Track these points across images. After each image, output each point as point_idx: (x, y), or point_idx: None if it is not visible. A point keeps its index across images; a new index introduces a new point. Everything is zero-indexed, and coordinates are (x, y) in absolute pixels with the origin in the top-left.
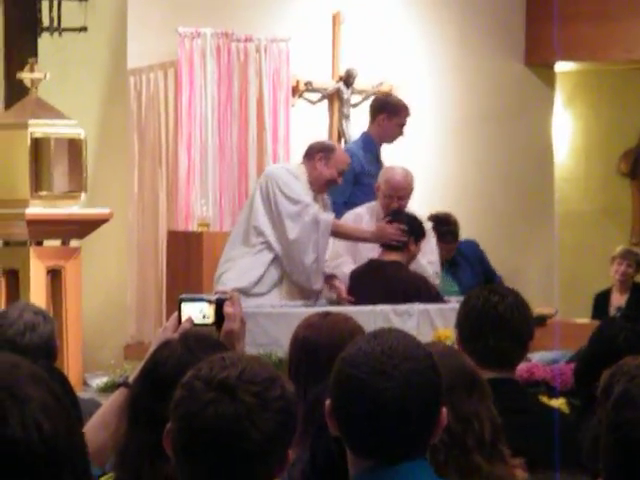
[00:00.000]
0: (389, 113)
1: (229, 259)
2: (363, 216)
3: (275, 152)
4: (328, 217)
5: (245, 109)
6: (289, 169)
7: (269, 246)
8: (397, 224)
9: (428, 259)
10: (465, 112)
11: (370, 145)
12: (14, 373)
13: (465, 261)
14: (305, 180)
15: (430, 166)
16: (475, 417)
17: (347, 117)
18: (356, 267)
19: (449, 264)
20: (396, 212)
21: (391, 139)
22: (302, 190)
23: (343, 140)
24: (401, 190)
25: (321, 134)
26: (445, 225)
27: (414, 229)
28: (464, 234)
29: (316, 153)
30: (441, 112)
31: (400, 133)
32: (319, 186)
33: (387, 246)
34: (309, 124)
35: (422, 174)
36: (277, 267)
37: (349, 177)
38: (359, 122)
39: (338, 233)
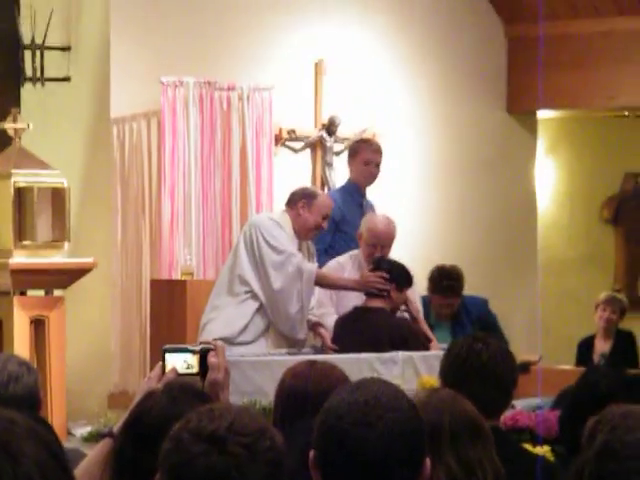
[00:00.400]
0: (351, 154)
1: (214, 308)
2: (345, 265)
3: (258, 200)
4: (311, 267)
5: (228, 157)
6: (273, 218)
7: (254, 295)
8: (380, 272)
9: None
10: (448, 160)
11: (352, 192)
12: (10, 429)
13: (468, 319)
14: (289, 228)
15: (413, 213)
16: (479, 465)
17: (330, 165)
18: (341, 315)
19: (451, 321)
20: (379, 260)
21: (365, 180)
22: (286, 239)
23: (326, 188)
24: (384, 239)
25: (304, 182)
26: (446, 279)
27: (396, 276)
28: None
29: (299, 200)
30: (424, 159)
31: (370, 171)
32: (304, 233)
33: (371, 294)
34: (292, 172)
35: (405, 221)
36: (262, 316)
37: (330, 225)
38: (342, 170)
39: (322, 282)
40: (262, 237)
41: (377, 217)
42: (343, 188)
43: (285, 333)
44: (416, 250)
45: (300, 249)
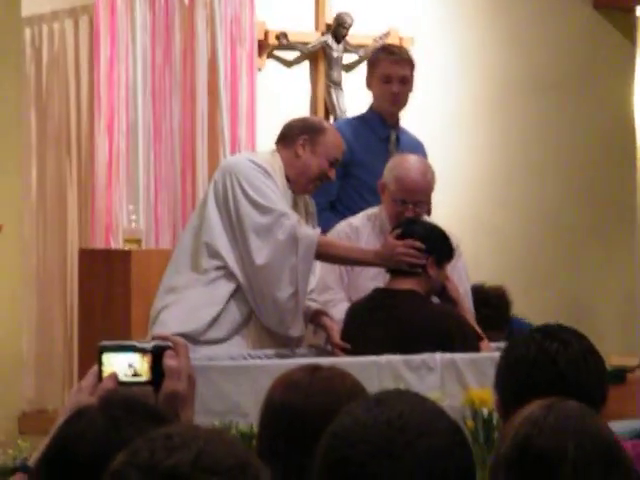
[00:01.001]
0: (369, 70)
1: (171, 290)
2: (361, 229)
3: (235, 136)
4: (312, 233)
5: (191, 75)
6: (257, 162)
7: (228, 273)
8: (411, 240)
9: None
10: (505, 78)
11: (372, 122)
12: None
13: None
14: (281, 176)
15: (457, 157)
16: None
17: (337, 84)
18: (356, 300)
19: None
20: (410, 222)
21: (388, 104)
22: (276, 192)
23: (332, 117)
24: (418, 193)
25: (301, 109)
26: (484, 306)
27: (435, 246)
28: (505, 257)
29: (298, 135)
30: (471, 77)
31: (391, 90)
32: (302, 183)
33: (397, 271)
34: (283, 95)
35: (447, 168)
36: (240, 303)
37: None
38: (356, 91)
39: (327, 255)
40: (241, 189)
41: (409, 161)
42: (358, 117)
43: (272, 328)
44: (463, 209)
45: (295, 207)
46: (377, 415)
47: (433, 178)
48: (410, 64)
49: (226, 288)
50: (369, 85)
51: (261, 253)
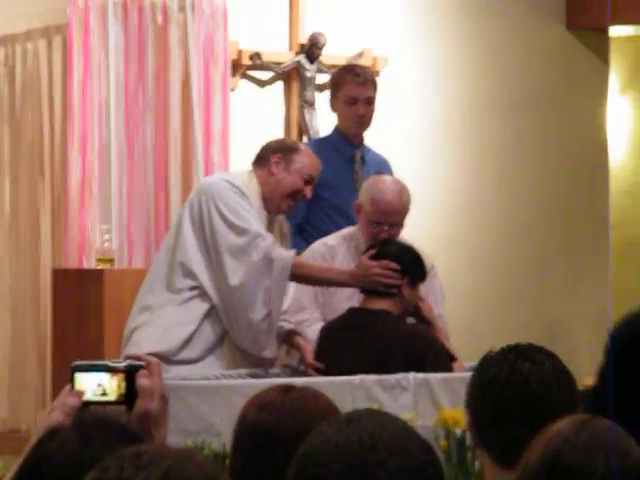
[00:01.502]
0: (332, 90)
1: (145, 309)
2: (336, 249)
3: (208, 155)
4: (287, 254)
5: (164, 94)
6: (232, 182)
7: (202, 293)
8: (386, 261)
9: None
10: (479, 96)
11: (338, 143)
12: None
13: None
14: (257, 197)
15: (431, 175)
16: None
17: (311, 104)
18: (330, 320)
19: None
20: (384, 242)
21: (352, 125)
22: (251, 213)
23: (306, 137)
24: (394, 215)
25: (274, 129)
26: None
27: (410, 267)
28: (479, 276)
29: (272, 154)
30: (445, 96)
31: (355, 112)
32: (276, 201)
33: (372, 292)
34: (257, 115)
35: (419, 185)
36: (214, 322)
37: None
38: (328, 111)
39: (302, 276)
40: (216, 210)
41: (384, 182)
42: (324, 139)
43: (245, 348)
44: (436, 228)
45: (270, 228)
46: (348, 435)
47: (408, 200)
48: (374, 84)
49: (200, 308)
50: (332, 106)
51: (235, 274)
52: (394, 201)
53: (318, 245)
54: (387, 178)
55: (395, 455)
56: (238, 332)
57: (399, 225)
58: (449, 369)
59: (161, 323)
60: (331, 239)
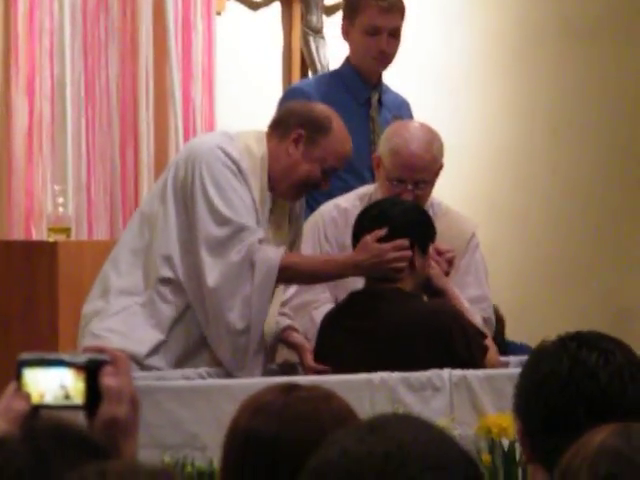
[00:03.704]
0: (350, 12)
1: (107, 292)
2: (350, 212)
3: (187, 98)
4: (273, 255)
5: (132, 20)
6: (231, 154)
7: (178, 289)
8: (400, 240)
9: (468, 294)
10: (526, 24)
11: (349, 80)
12: None
13: None
14: (261, 170)
15: (465, 124)
16: None
17: (318, 31)
18: (331, 309)
19: None
20: (381, 206)
21: (369, 63)
22: (243, 199)
23: (311, 72)
24: (419, 169)
25: (271, 63)
26: None
27: (418, 230)
28: (527, 248)
29: (295, 126)
30: (483, 23)
31: (376, 45)
32: (283, 188)
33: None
34: (248, 46)
35: (451, 137)
36: (190, 327)
37: None
38: (339, 40)
39: (295, 278)
40: (202, 188)
41: (409, 129)
42: (332, 74)
43: (224, 362)
44: (474, 190)
45: (274, 207)
46: (372, 445)
47: (440, 152)
48: (402, 12)
49: (171, 311)
50: (346, 34)
51: (212, 273)
52: (419, 152)
53: (328, 208)
54: (413, 124)
55: (430, 471)
56: (216, 340)
57: (427, 184)
58: (482, 347)
59: (127, 317)
60: (344, 200)
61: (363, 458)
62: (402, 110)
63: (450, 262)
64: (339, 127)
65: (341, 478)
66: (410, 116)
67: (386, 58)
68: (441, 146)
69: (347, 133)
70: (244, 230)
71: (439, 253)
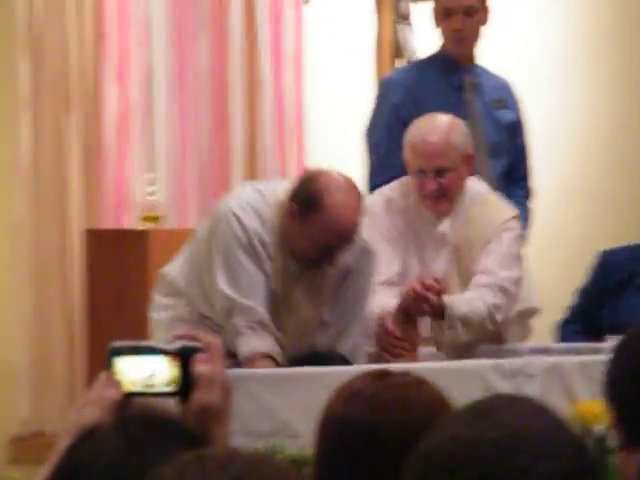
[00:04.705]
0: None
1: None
2: (395, 204)
3: (278, 83)
4: (245, 349)
5: (222, 7)
6: (249, 227)
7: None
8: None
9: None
10: (630, 5)
11: (442, 66)
12: None
13: None
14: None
15: (563, 106)
16: None
17: (406, 18)
18: None
19: None
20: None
21: (449, 45)
22: (254, 277)
23: (404, 61)
24: (435, 155)
25: (362, 51)
26: None
27: None
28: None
29: (290, 200)
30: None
31: (451, 26)
32: (298, 256)
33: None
34: (337, 32)
35: (549, 121)
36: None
37: (393, 127)
38: (426, 26)
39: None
40: (210, 262)
41: (430, 119)
42: (425, 61)
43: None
44: (565, 176)
45: (301, 273)
46: (481, 432)
47: (462, 139)
48: None
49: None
50: (436, 20)
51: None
52: (432, 139)
53: (376, 198)
54: (432, 116)
55: (541, 461)
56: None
57: (450, 171)
58: None
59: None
60: (389, 189)
61: (473, 444)
62: (503, 93)
63: (438, 293)
64: (334, 203)
65: (453, 465)
66: (513, 99)
67: (462, 38)
68: (462, 134)
69: (346, 208)
70: (244, 310)
71: (427, 288)
